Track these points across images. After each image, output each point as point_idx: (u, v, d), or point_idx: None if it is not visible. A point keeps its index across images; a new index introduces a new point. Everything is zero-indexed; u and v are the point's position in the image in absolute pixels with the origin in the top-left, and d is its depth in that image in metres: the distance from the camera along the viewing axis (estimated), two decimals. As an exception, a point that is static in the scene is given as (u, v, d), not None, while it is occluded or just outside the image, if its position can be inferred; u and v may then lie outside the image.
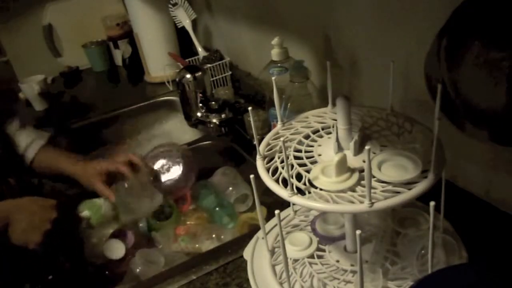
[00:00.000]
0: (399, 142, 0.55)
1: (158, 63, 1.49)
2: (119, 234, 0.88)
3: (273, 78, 0.58)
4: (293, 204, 0.73)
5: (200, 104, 1.07)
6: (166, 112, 1.42)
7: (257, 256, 0.67)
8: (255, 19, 1.20)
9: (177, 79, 1.08)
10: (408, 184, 0.48)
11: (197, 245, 0.87)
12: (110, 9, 1.77)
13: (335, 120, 0.56)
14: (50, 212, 0.83)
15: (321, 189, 0.49)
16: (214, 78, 1.29)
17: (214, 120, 1.07)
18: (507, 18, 0.47)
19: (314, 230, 0.66)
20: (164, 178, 0.97)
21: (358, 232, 0.45)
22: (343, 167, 0.49)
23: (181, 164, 0.97)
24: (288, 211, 0.73)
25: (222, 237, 0.88)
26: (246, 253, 0.68)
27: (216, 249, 0.79)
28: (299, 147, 0.57)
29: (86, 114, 1.41)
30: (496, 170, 0.66)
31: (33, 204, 0.84)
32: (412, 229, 0.62)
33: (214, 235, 0.88)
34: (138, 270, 0.82)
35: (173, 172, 0.97)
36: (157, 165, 0.98)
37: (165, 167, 0.98)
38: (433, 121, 0.47)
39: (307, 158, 0.54)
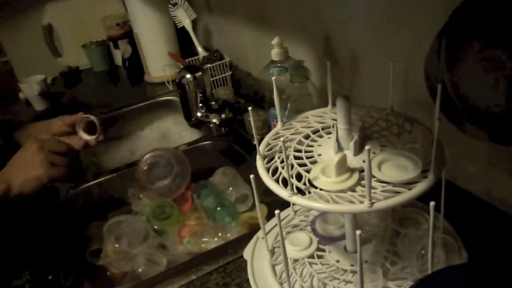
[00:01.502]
0: (399, 142, 0.55)
1: (158, 63, 1.49)
2: None
3: (273, 78, 0.58)
4: (293, 204, 0.72)
5: (200, 104, 1.07)
6: (166, 112, 1.42)
7: (257, 256, 0.67)
8: (255, 19, 1.20)
9: (177, 79, 1.08)
10: (408, 184, 0.48)
11: (203, 245, 0.88)
12: (110, 9, 1.78)
13: (335, 120, 0.56)
14: (40, 152, 0.86)
15: (321, 189, 0.49)
16: (214, 78, 1.29)
17: (214, 120, 1.07)
18: (507, 18, 0.47)
19: (314, 230, 0.66)
20: (158, 181, 0.97)
21: (358, 232, 0.45)
22: (343, 167, 0.49)
23: (174, 168, 0.97)
24: (288, 211, 0.73)
25: (228, 235, 0.88)
26: (246, 253, 0.68)
27: (216, 249, 0.78)
28: (299, 147, 0.57)
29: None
30: (496, 170, 0.66)
31: (20, 156, 0.86)
32: (412, 229, 0.62)
33: (220, 234, 0.88)
34: (140, 270, 0.82)
35: (167, 175, 0.97)
36: (150, 169, 0.98)
37: (159, 170, 0.98)
38: (433, 121, 0.47)
39: (307, 158, 0.54)
